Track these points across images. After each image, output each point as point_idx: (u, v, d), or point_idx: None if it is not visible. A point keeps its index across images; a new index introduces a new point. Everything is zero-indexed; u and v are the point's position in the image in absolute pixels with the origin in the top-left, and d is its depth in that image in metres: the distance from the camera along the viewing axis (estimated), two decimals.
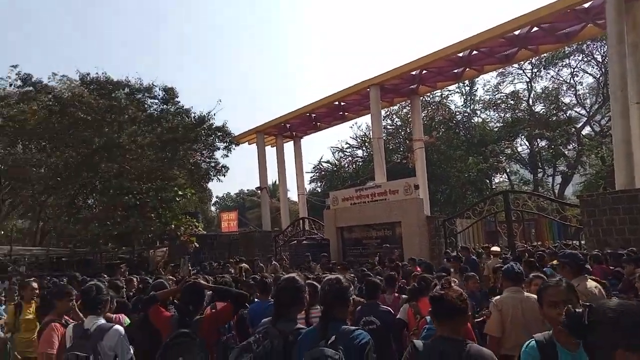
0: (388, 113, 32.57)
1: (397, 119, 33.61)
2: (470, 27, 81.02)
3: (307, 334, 2.61)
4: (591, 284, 4.12)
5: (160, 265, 18.71)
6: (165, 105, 21.60)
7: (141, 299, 4.26)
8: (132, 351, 3.38)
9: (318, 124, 23.76)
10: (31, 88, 20.88)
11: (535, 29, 14.89)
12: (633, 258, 6.67)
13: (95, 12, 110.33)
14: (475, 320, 4.99)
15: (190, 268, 12.43)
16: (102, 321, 3.40)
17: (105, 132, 18.83)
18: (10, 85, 22.67)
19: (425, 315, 4.53)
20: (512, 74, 30.07)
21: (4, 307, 5.82)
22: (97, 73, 20.47)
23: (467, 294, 5.68)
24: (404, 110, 32.17)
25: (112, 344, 3.24)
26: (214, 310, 3.80)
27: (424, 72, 18.09)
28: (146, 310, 3.65)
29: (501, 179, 34.69)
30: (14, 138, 21.85)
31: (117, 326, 3.39)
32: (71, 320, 3.68)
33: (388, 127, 32.87)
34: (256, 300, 5.49)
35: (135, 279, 8.28)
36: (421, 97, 22.34)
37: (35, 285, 5.52)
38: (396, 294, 5.96)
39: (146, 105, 21.48)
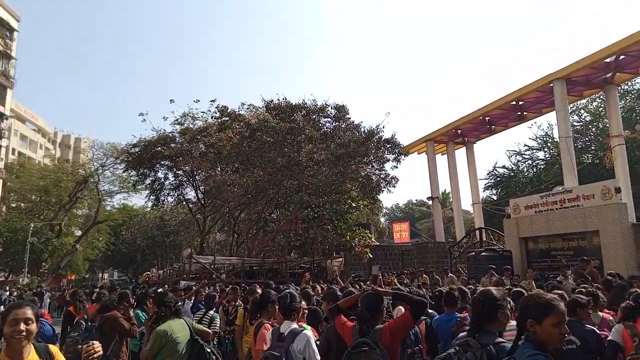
0: (574, 108, 28.92)
1: (585, 114, 29.66)
2: None
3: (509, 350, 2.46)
4: None
5: (337, 274, 19.58)
6: (337, 123, 22.79)
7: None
8: (318, 357, 3.53)
9: (492, 127, 22.33)
10: (227, 118, 24.10)
11: None
12: None
13: (271, 41, 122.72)
14: None
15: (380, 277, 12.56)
16: (295, 326, 3.66)
17: (286, 152, 20.63)
18: (211, 117, 26.59)
19: None
20: None
21: (213, 310, 6.53)
22: (278, 99, 22.65)
23: None
24: (594, 104, 28.27)
25: (301, 347, 3.48)
26: (394, 318, 3.79)
27: (622, 57, 15.69)
28: (332, 319, 3.81)
29: None
30: (214, 162, 25.47)
31: (307, 331, 3.62)
32: (276, 323, 4.03)
33: (575, 123, 29.17)
34: (432, 312, 5.36)
35: (319, 287, 8.77)
36: (618, 87, 19.33)
37: (260, 291, 5.98)
38: (604, 313, 5.18)
39: (320, 124, 22.93)
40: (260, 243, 23.56)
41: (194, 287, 9.75)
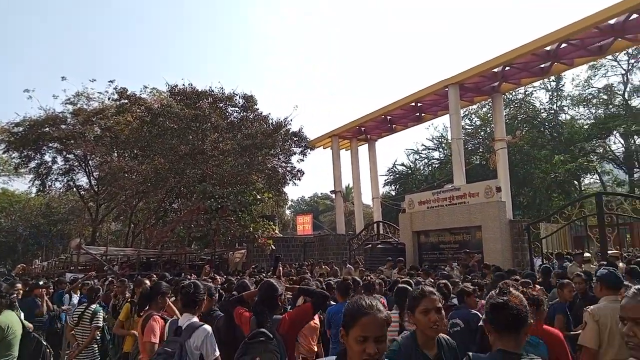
0: (467, 112, 31.42)
1: (476, 119, 32.35)
2: (558, 19, 76.30)
3: None
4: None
5: (238, 266, 19.44)
6: (245, 113, 22.45)
7: (228, 298, 4.40)
8: (217, 352, 3.42)
9: (393, 126, 23.45)
10: (126, 101, 22.65)
11: (634, 16, 13.59)
12: None
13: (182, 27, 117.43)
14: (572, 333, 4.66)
15: (281, 268, 12.59)
16: (195, 319, 3.50)
17: (190, 140, 19.92)
18: (109, 98, 24.83)
19: None
20: (605, 66, 27.83)
21: (96, 304, 6.09)
22: (183, 84, 21.75)
23: (562, 303, 5.35)
24: (484, 110, 30.89)
25: (198, 343, 3.31)
26: (293, 310, 3.86)
27: (507, 68, 17.24)
28: (231, 310, 3.78)
29: (592, 180, 32.16)
30: (110, 147, 23.87)
31: (206, 326, 3.46)
32: (167, 315, 3.89)
33: (466, 127, 31.70)
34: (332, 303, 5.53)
35: (219, 278, 8.66)
36: (503, 95, 21.30)
37: (148, 283, 5.69)
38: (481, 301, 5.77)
39: (227, 113, 22.46)
40: (159, 234, 22.55)
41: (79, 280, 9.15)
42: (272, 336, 3.16)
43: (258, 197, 20.32)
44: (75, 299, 8.35)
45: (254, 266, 15.47)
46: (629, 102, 28.22)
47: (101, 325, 5.89)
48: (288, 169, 23.03)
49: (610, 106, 28.83)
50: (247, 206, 19.56)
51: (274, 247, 19.77)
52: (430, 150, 36.18)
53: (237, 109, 22.68)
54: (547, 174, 27.34)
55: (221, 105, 22.09)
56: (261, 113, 22.53)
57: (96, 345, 5.87)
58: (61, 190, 30.92)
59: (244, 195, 19.37)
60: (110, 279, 9.96)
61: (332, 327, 5.25)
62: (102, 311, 6.01)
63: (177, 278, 7.82)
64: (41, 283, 7.75)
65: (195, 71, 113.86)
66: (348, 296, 5.37)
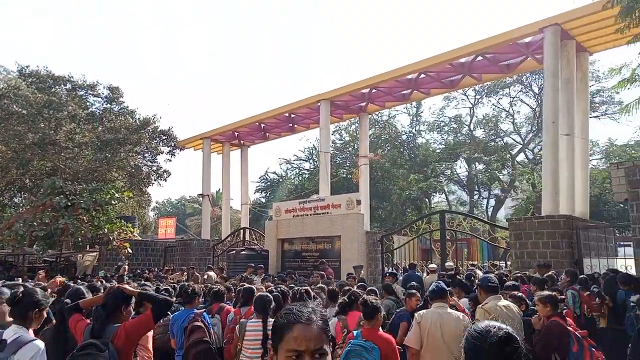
0: (337, 128, 33.03)
1: (345, 135, 34.15)
2: (420, 51, 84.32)
3: None
4: (502, 302, 4.41)
5: (88, 270, 17.85)
6: (108, 105, 20.86)
7: (60, 306, 3.98)
8: None
9: (267, 134, 23.65)
10: None
11: (479, 58, 15.61)
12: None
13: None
14: None
15: (126, 272, 11.87)
16: (23, 333, 3.07)
17: (40, 128, 17.89)
18: None
19: (352, 330, 4.63)
20: (456, 99, 31.47)
21: None
22: (37, 66, 19.54)
23: (408, 312, 5.77)
24: (353, 127, 32.75)
25: None
26: (132, 318, 3.66)
27: (374, 91, 18.43)
28: (65, 318, 3.49)
29: (440, 199, 35.94)
30: None
31: (38, 341, 3.06)
32: None
33: (336, 142, 33.32)
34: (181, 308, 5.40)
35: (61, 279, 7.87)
36: (370, 115, 22.77)
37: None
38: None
39: (88, 103, 20.68)
40: None
41: None
42: (103, 348, 2.98)
43: (117, 195, 18.88)
44: None
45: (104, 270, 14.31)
46: (473, 132, 32.25)
47: None
48: (154, 168, 21.91)
49: (459, 134, 32.63)
50: (103, 205, 18.04)
51: (130, 251, 18.54)
52: (302, 161, 37.25)
53: (100, 99, 21.00)
54: (403, 190, 29.85)
55: (81, 93, 20.29)
56: (127, 107, 21.16)
57: None
58: None
59: (100, 193, 17.86)
60: None
61: (173, 334, 5.09)
62: None
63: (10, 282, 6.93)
64: None
65: (54, 58, 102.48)
66: (194, 303, 5.27)
